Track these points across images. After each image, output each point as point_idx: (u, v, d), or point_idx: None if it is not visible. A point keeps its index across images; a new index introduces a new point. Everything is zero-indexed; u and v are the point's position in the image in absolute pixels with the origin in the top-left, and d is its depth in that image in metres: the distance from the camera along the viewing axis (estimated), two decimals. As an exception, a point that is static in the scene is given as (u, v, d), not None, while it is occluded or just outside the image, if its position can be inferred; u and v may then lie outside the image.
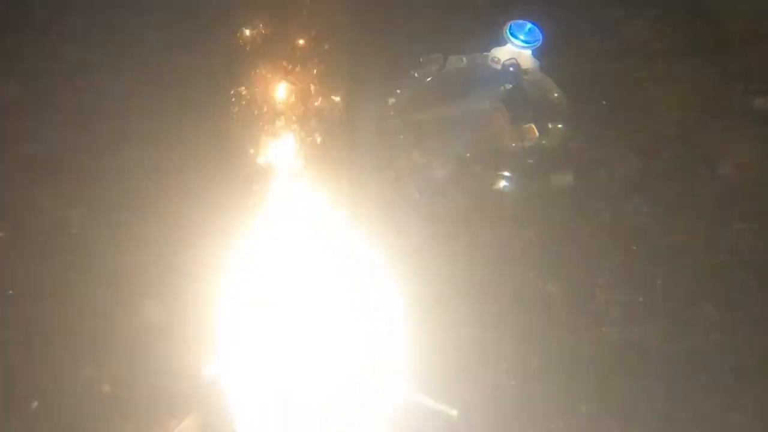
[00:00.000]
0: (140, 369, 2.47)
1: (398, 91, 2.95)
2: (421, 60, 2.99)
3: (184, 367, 2.46)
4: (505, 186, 2.84)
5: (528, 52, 2.97)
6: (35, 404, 2.35)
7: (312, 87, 2.83)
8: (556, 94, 2.96)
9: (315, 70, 2.84)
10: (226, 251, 2.67)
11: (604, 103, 3.04)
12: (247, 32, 2.96)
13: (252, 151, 2.79)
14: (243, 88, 2.81)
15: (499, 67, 2.97)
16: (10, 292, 2.55)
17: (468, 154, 2.85)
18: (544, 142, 2.86)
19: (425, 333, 2.68)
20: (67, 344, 2.46)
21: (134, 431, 2.37)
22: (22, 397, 2.32)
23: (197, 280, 2.60)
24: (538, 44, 2.96)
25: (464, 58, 3.00)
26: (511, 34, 2.95)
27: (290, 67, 2.83)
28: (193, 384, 2.45)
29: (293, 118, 2.77)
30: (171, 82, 2.97)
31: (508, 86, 2.96)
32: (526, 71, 2.96)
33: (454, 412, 2.53)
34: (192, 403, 2.43)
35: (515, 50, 2.96)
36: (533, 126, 2.89)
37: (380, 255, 2.68)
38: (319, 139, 2.78)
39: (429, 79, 2.99)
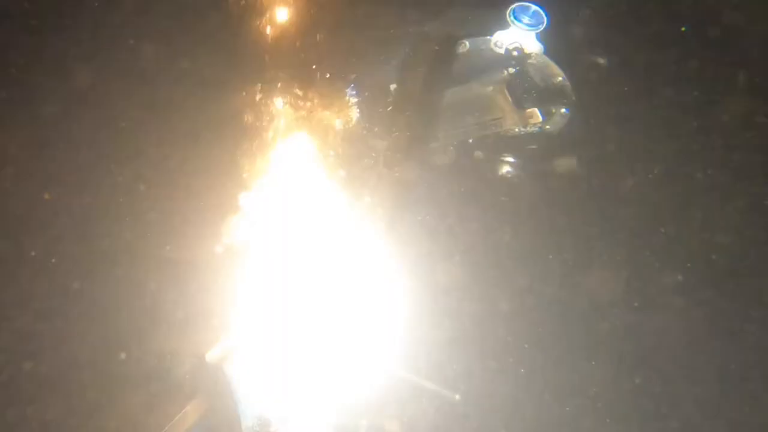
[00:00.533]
0: (147, 352, 2.51)
1: (400, 77, 2.93)
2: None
3: (190, 351, 2.51)
4: (508, 171, 2.83)
5: (532, 36, 2.94)
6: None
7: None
8: (560, 78, 2.92)
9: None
10: (229, 235, 2.72)
11: (625, 89, 3.00)
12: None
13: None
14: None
15: (502, 51, 2.95)
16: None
17: (470, 140, 2.84)
18: (547, 126, 2.84)
19: (432, 317, 2.72)
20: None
21: (142, 413, 2.42)
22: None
23: (200, 265, 2.64)
24: (542, 27, 2.93)
25: (467, 43, 2.97)
26: (515, 17, 2.92)
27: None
28: (198, 368, 2.49)
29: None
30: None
31: (512, 70, 2.94)
32: (529, 55, 2.94)
33: (456, 396, 2.56)
34: (197, 386, 2.47)
35: (519, 34, 2.94)
36: (536, 111, 2.87)
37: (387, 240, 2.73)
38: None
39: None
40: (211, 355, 2.49)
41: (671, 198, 2.77)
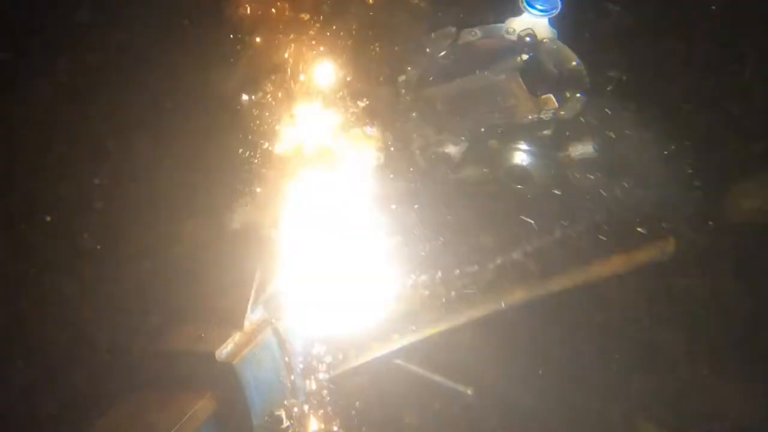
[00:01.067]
0: (158, 350, 2.50)
1: (409, 68, 2.88)
2: (432, 35, 2.91)
3: (200, 348, 2.49)
4: (522, 159, 2.75)
5: (545, 21, 2.85)
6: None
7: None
8: (574, 63, 2.82)
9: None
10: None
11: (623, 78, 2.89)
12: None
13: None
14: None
15: (514, 38, 2.87)
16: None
17: (483, 129, 2.78)
18: (562, 112, 2.75)
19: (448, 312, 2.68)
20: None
21: (154, 410, 2.40)
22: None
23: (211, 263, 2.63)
24: (555, 12, 2.84)
25: (477, 31, 2.90)
26: (528, 2, 2.83)
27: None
28: (210, 365, 2.47)
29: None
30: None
31: (525, 57, 2.86)
32: (543, 41, 2.85)
33: (469, 391, 2.50)
34: (209, 383, 2.45)
35: (532, 20, 2.85)
36: (552, 97, 2.78)
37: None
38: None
39: (442, 54, 2.91)
40: (221, 353, 2.47)
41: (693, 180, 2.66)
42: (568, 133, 2.76)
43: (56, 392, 2.37)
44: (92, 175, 2.77)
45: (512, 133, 2.76)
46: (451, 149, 2.76)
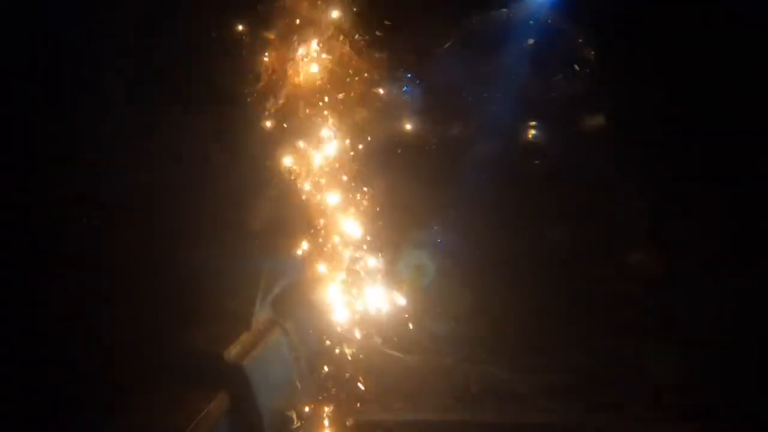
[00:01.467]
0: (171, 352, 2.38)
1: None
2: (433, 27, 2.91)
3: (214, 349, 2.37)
4: (535, 135, 2.66)
5: (546, 5, 2.84)
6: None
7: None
8: (581, 40, 2.79)
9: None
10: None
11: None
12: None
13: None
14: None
15: (519, 22, 2.85)
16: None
17: (492, 109, 2.72)
18: (571, 89, 2.69)
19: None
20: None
21: (168, 410, 2.25)
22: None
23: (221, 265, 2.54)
24: (556, -3, 2.84)
25: (480, 19, 2.89)
26: (530, -11, 2.84)
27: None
28: (220, 366, 2.33)
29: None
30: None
31: (531, 41, 2.83)
32: (546, 22, 2.82)
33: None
34: (221, 382, 2.30)
35: (534, 3, 2.85)
36: (560, 75, 2.74)
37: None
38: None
39: (445, 45, 2.90)
40: (230, 354, 2.34)
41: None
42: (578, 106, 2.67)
43: (74, 392, 2.23)
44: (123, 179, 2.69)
45: (523, 110, 2.70)
46: (461, 129, 2.69)
